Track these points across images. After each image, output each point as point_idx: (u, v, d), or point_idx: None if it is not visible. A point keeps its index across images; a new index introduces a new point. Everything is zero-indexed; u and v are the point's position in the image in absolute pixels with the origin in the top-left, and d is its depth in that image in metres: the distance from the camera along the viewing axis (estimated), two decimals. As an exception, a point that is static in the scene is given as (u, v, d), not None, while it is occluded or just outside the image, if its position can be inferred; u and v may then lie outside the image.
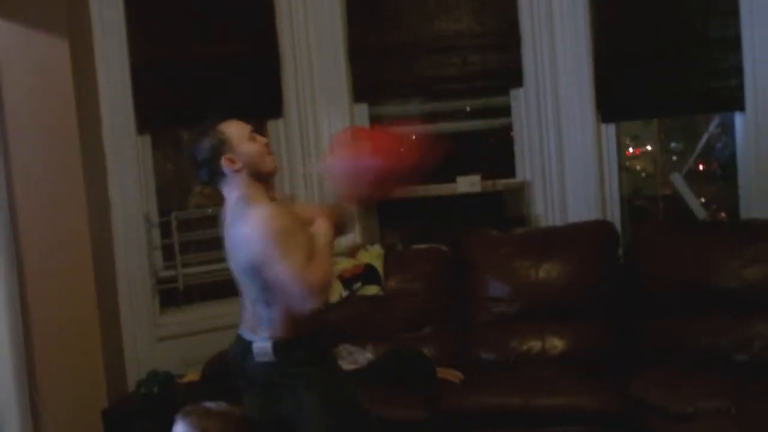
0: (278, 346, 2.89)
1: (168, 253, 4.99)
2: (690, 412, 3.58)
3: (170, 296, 5.00)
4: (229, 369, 3.05)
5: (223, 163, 2.91)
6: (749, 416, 3.45)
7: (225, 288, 5.00)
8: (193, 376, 4.51)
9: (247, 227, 2.82)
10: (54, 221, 4.42)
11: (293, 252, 2.76)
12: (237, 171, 2.92)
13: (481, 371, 4.29)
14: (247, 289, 2.95)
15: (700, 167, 5.23)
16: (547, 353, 4.33)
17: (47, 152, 4.41)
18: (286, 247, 2.76)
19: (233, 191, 2.95)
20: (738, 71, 4.65)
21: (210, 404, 2.61)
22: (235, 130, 3.00)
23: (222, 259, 4.94)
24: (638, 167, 5.40)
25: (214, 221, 5.19)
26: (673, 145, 5.48)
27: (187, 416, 2.52)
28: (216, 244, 5.08)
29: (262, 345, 2.90)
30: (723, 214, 5.11)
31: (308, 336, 2.93)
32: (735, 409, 3.56)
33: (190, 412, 2.54)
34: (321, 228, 2.95)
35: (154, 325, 4.85)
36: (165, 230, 4.98)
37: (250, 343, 2.93)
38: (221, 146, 2.93)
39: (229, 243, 2.94)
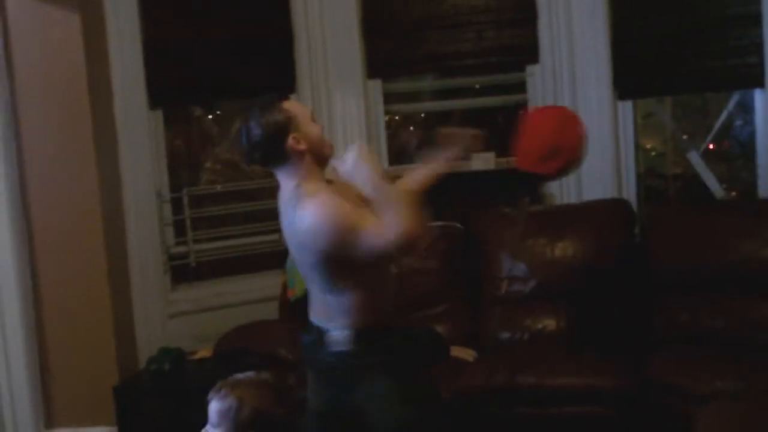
0: (356, 335, 2.78)
1: (179, 229, 4.96)
2: (705, 392, 3.54)
3: (182, 272, 4.98)
4: (301, 357, 2.98)
5: (290, 142, 2.77)
6: (764, 398, 3.40)
7: (237, 264, 5.01)
8: (204, 352, 4.50)
9: (307, 221, 2.68)
10: (65, 197, 4.41)
11: (362, 221, 2.62)
12: (300, 152, 2.78)
13: (495, 350, 4.25)
14: (315, 281, 2.83)
15: (710, 147, 5.17)
16: (562, 332, 4.28)
17: (59, 128, 4.39)
18: (355, 222, 2.62)
19: (291, 175, 2.80)
20: (758, 48, 4.57)
21: (238, 375, 2.58)
22: (299, 109, 2.85)
23: (233, 236, 5.02)
24: (649, 146, 5.35)
25: (225, 197, 5.22)
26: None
27: (219, 391, 2.49)
28: (227, 220, 5.11)
29: (338, 334, 2.79)
30: (733, 193, 5.05)
31: (384, 324, 2.84)
32: (752, 389, 3.52)
33: (221, 386, 2.51)
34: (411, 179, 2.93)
35: (165, 302, 4.83)
36: (176, 206, 4.95)
37: (324, 332, 2.82)
38: (288, 124, 2.78)
39: (287, 232, 2.82)
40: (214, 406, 2.48)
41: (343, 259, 2.69)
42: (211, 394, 2.51)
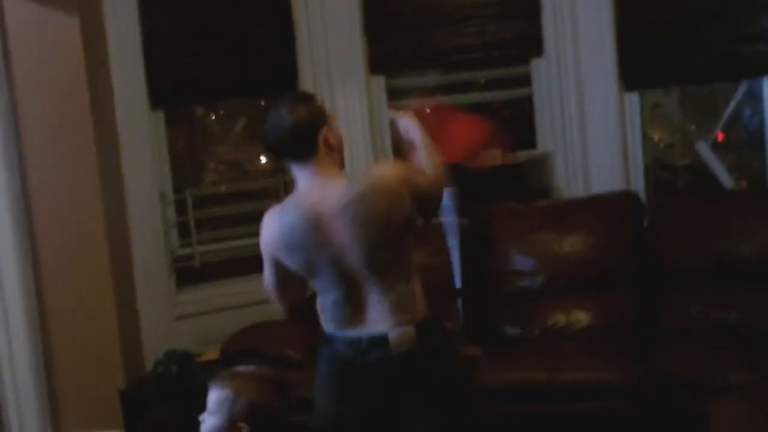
0: (420, 328, 2.72)
1: (183, 231, 4.93)
2: (718, 386, 3.49)
3: (187, 274, 4.94)
4: (341, 373, 2.80)
5: (323, 136, 2.73)
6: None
7: (242, 265, 4.96)
8: (211, 354, 4.46)
9: (388, 176, 2.70)
10: (67, 200, 4.38)
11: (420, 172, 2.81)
12: (331, 147, 2.75)
13: (505, 346, 4.21)
14: (377, 276, 2.71)
15: (719, 137, 5.11)
16: (572, 327, 4.24)
17: (59, 131, 4.36)
18: (418, 171, 2.81)
19: (312, 171, 2.74)
20: (765, 35, 4.51)
21: (239, 367, 2.59)
22: (328, 108, 2.87)
23: (238, 236, 4.98)
24: (657, 138, 5.30)
25: (229, 198, 5.18)
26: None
27: (218, 381, 2.50)
28: (232, 220, 5.07)
29: (402, 332, 2.69)
30: (744, 183, 4.99)
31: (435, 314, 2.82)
32: (764, 382, 3.47)
33: (220, 376, 2.53)
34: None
35: (171, 304, 4.80)
36: (180, 208, 4.91)
37: (382, 337, 2.70)
38: (322, 117, 2.76)
39: (351, 221, 2.67)
40: (213, 396, 2.50)
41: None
42: (210, 383, 2.52)
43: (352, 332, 2.75)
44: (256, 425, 2.46)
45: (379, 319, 2.72)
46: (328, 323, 2.82)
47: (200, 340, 4.64)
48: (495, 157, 4.83)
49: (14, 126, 4.32)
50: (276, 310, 4.52)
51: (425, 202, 2.81)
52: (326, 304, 2.81)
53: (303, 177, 2.78)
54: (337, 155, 2.80)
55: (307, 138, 2.73)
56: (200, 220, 4.95)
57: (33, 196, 4.38)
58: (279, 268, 2.83)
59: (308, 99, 2.81)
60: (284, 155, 2.83)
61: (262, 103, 5.14)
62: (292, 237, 2.72)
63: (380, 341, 2.70)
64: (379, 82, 5.06)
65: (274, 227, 2.77)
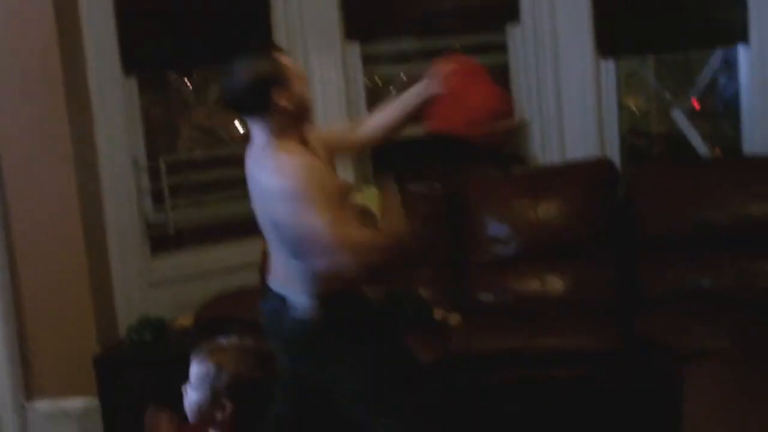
0: (320, 303, 2.73)
1: (157, 197, 4.88)
2: (693, 351, 3.51)
3: (161, 241, 4.90)
4: (263, 329, 2.86)
5: (275, 96, 2.66)
6: (753, 356, 3.38)
7: (216, 232, 4.94)
8: (185, 321, 4.44)
9: (272, 178, 2.62)
10: (39, 167, 4.31)
11: (325, 208, 2.53)
12: (284, 109, 2.69)
13: (480, 313, 4.21)
14: (276, 243, 2.75)
15: (696, 105, 5.11)
16: (547, 294, 4.25)
17: (30, 98, 4.28)
18: (318, 202, 2.53)
19: (265, 130, 2.72)
20: (741, 3, 4.50)
21: (220, 339, 2.54)
22: (291, 65, 2.75)
23: (214, 202, 4.95)
24: (632, 105, 5.30)
25: (203, 165, 5.13)
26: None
27: (199, 354, 2.46)
28: (207, 187, 5.03)
29: (300, 301, 2.73)
30: (718, 151, 5.00)
31: (351, 292, 2.79)
32: (739, 347, 3.50)
33: (201, 349, 2.48)
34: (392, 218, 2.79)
35: (145, 270, 4.75)
36: (153, 175, 4.86)
37: (284, 299, 2.76)
38: (277, 77, 2.68)
39: (252, 188, 2.76)
40: (194, 369, 2.43)
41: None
42: (192, 356, 2.47)
43: (271, 283, 2.86)
44: (240, 399, 2.43)
45: (285, 279, 2.79)
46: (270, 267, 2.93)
47: (175, 306, 4.60)
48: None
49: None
50: (249, 275, 4.54)
51: (303, 247, 2.61)
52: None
53: (254, 132, 2.77)
54: (290, 117, 2.72)
55: (257, 96, 2.68)
56: (174, 187, 4.89)
57: (4, 163, 4.30)
58: None
59: (264, 55, 2.74)
60: (236, 110, 2.83)
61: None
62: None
63: (285, 301, 2.78)
64: (354, 48, 5.01)
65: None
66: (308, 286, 2.72)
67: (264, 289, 2.93)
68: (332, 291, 2.74)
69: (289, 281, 2.77)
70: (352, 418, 2.90)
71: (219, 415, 2.41)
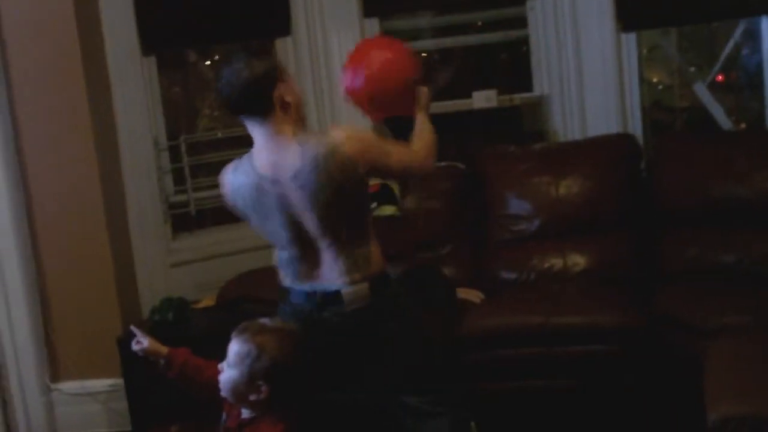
0: (374, 283, 2.75)
1: (178, 177, 4.89)
2: (715, 327, 3.49)
3: (182, 221, 4.92)
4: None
5: (278, 93, 2.67)
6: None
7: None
8: (208, 301, 4.47)
9: (340, 142, 2.62)
10: (60, 148, 4.34)
11: (388, 143, 2.83)
12: (287, 104, 2.69)
13: (501, 290, 4.20)
14: (332, 236, 2.71)
15: (718, 78, 5.05)
16: (569, 271, 4.23)
17: (50, 78, 4.31)
18: (383, 143, 2.80)
19: (270, 129, 2.69)
20: (765, -26, 4.45)
21: (264, 320, 2.54)
22: (286, 67, 2.86)
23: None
24: (655, 79, 5.25)
25: (223, 144, 5.13)
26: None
27: (242, 333, 2.47)
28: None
29: (355, 289, 2.72)
30: (743, 125, 4.94)
31: (386, 271, 2.83)
32: (760, 323, 3.47)
33: (245, 329, 2.48)
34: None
35: (166, 251, 4.78)
36: (174, 154, 4.87)
37: (335, 293, 2.73)
38: (278, 75, 2.70)
39: (300, 188, 2.66)
40: (234, 347, 2.46)
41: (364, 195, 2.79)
42: (234, 333, 2.49)
43: (307, 287, 2.78)
44: (275, 384, 2.44)
45: (333, 277, 2.74)
46: (285, 277, 2.87)
47: (196, 286, 4.64)
48: (490, 97, 4.80)
49: (4, 74, 4.27)
50: (270, 254, 4.53)
51: (389, 175, 3.06)
52: (282, 260, 2.85)
53: (257, 136, 2.75)
54: (293, 114, 2.73)
55: (261, 95, 2.67)
56: (195, 166, 4.91)
57: (26, 145, 4.34)
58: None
59: (264, 54, 2.78)
60: (238, 112, 2.76)
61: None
62: (242, 197, 2.78)
63: (334, 297, 2.73)
64: (373, 24, 4.98)
65: (227, 186, 2.84)
66: (363, 271, 2.73)
67: (287, 291, 2.87)
68: (379, 272, 2.77)
69: (335, 276, 2.74)
70: (392, 400, 2.91)
71: (253, 397, 2.43)
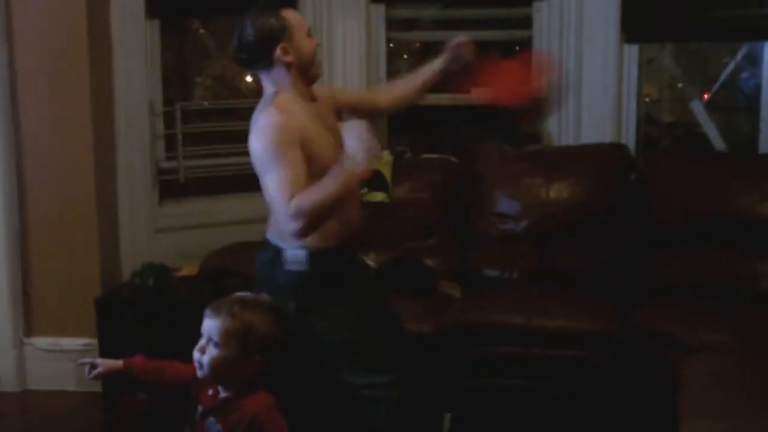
0: (312, 255, 2.80)
1: (169, 144, 4.87)
2: (694, 344, 3.52)
3: (170, 188, 4.90)
4: (255, 276, 2.96)
5: (279, 51, 2.78)
6: (753, 352, 3.39)
7: (226, 183, 4.94)
8: (189, 270, 4.44)
9: (252, 136, 2.74)
10: (55, 103, 4.31)
11: (287, 166, 2.63)
12: (287, 63, 2.80)
13: (482, 287, 4.22)
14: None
15: (705, 96, 5.09)
16: (552, 274, 4.25)
17: (52, 32, 4.27)
18: (283, 160, 2.64)
19: (272, 83, 2.83)
20: (772, -1, 4.49)
21: (243, 295, 2.49)
22: (296, 20, 2.85)
23: (224, 154, 4.94)
24: (645, 92, 5.28)
25: (218, 115, 5.11)
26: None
27: (223, 310, 2.39)
28: (219, 137, 5.02)
29: (294, 253, 2.80)
30: (725, 146, 4.97)
31: (339, 249, 2.85)
32: (739, 344, 3.51)
33: (225, 305, 2.41)
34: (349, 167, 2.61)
35: (152, 216, 4.75)
36: (168, 121, 4.85)
37: (280, 250, 2.83)
38: (281, 32, 2.78)
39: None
40: (219, 324, 2.36)
41: None
42: (212, 311, 2.42)
43: (269, 234, 2.93)
44: (269, 358, 2.41)
45: (274, 229, 2.87)
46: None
47: (179, 254, 4.61)
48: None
49: (6, 27, 4.22)
50: (256, 228, 4.52)
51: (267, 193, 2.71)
52: None
53: (263, 85, 2.89)
54: (295, 70, 2.82)
55: (262, 51, 2.80)
56: (187, 134, 4.89)
57: (20, 97, 4.30)
58: None
59: (269, 12, 2.82)
60: (244, 65, 3.01)
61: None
62: None
63: (279, 253, 2.85)
64: (379, 10, 4.97)
65: None
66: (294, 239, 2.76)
67: (263, 240, 2.97)
68: (320, 246, 2.80)
69: (282, 234, 2.80)
70: (330, 371, 2.96)
71: (246, 372, 2.38)
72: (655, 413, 3.47)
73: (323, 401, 3.13)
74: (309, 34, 2.87)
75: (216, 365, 2.36)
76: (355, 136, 2.60)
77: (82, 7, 4.24)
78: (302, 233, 2.65)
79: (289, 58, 2.79)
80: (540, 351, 3.79)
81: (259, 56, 2.81)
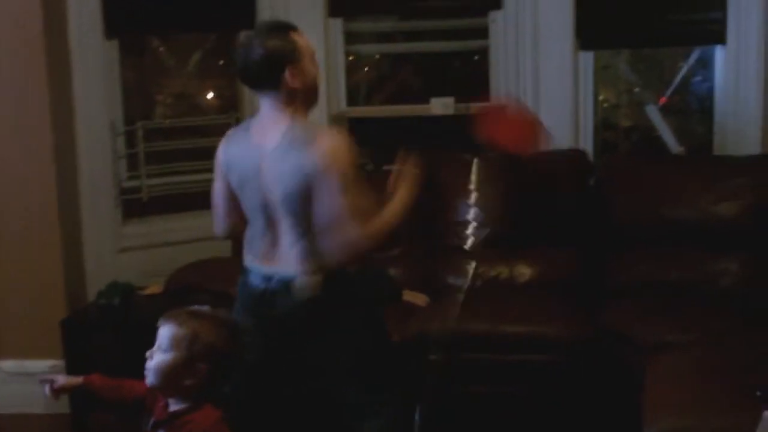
0: (329, 277, 2.78)
1: (131, 163, 4.88)
2: (658, 344, 3.58)
3: (133, 207, 4.90)
4: (250, 310, 2.92)
5: (287, 73, 2.74)
6: (716, 351, 3.45)
7: (190, 201, 4.95)
8: (155, 288, 4.45)
9: (320, 152, 2.67)
10: (15, 124, 4.30)
11: (357, 194, 2.69)
12: (293, 88, 2.76)
13: (447, 296, 4.25)
14: (292, 220, 2.78)
15: (661, 101, 5.18)
16: (515, 280, 4.30)
17: (10, 55, 4.27)
18: (354, 187, 2.68)
19: (280, 106, 2.78)
20: (721, 3, 4.57)
21: (196, 307, 2.53)
22: (306, 44, 2.83)
23: (187, 172, 4.95)
24: (601, 97, 5.35)
25: (179, 132, 5.12)
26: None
27: (173, 318, 2.44)
28: (181, 155, 5.03)
29: (309, 279, 2.78)
30: (682, 149, 5.05)
31: (346, 266, 2.85)
32: (702, 343, 3.57)
33: (176, 314, 2.46)
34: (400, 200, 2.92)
35: (116, 236, 4.76)
36: (129, 140, 4.86)
37: (289, 280, 2.80)
38: (290, 55, 2.75)
39: (272, 166, 2.76)
40: (168, 332, 2.42)
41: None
42: (164, 320, 2.46)
43: (266, 268, 2.87)
44: (214, 366, 2.44)
45: (289, 261, 2.82)
46: (247, 254, 2.96)
47: (144, 273, 4.62)
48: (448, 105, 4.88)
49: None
50: (220, 245, 4.55)
51: (322, 218, 2.72)
52: (249, 234, 2.94)
53: (263, 106, 2.84)
54: (301, 95, 2.80)
55: (269, 72, 2.76)
56: (149, 153, 4.89)
57: (-21, 119, 4.30)
58: (227, 184, 2.95)
59: (278, 32, 2.79)
60: (248, 84, 2.89)
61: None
62: (233, 157, 2.88)
63: (288, 284, 2.80)
64: (337, 25, 5.02)
65: (224, 144, 2.95)
66: (317, 264, 2.77)
67: (247, 271, 2.95)
68: (334, 268, 2.80)
69: (292, 262, 2.80)
70: (336, 394, 2.98)
71: (189, 381, 2.42)
72: (622, 413, 3.52)
73: (304, 417, 3.15)
74: (315, 61, 2.86)
75: (160, 370, 2.40)
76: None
77: (39, 27, 4.24)
78: (369, 253, 2.79)
79: (296, 84, 2.76)
80: (506, 356, 3.83)
81: (266, 77, 2.77)
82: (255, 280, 2.89)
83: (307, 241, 2.78)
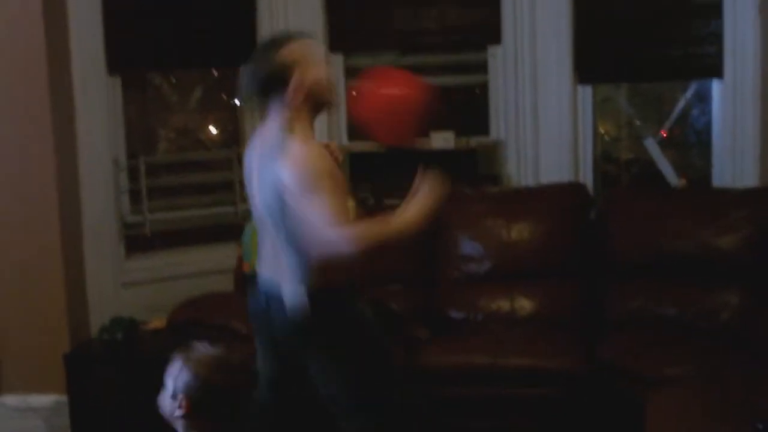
0: (314, 296, 2.80)
1: (134, 198, 4.91)
2: (656, 377, 3.59)
3: (136, 242, 4.93)
4: (251, 324, 3.02)
5: (290, 88, 2.78)
6: (714, 385, 3.46)
7: (192, 235, 4.98)
8: (157, 323, 4.47)
9: (285, 162, 2.71)
10: (20, 161, 4.34)
11: (331, 195, 2.66)
12: (292, 99, 2.80)
13: (449, 329, 4.28)
14: (273, 234, 2.85)
15: (663, 134, 5.21)
16: (516, 313, 4.33)
17: (14, 92, 4.32)
18: (325, 189, 2.66)
19: (280, 113, 2.83)
20: (717, 38, 4.61)
21: (198, 346, 2.54)
22: (301, 52, 2.84)
23: (190, 206, 4.99)
24: (602, 130, 5.39)
25: (181, 167, 5.16)
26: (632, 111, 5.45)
27: (176, 362, 2.47)
28: (183, 190, 5.07)
29: (291, 296, 2.81)
30: (683, 181, 5.09)
31: (342, 286, 2.87)
32: (701, 377, 3.58)
33: (179, 358, 2.49)
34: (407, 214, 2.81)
35: (119, 271, 4.79)
36: (132, 175, 4.89)
37: (275, 295, 2.86)
38: (293, 67, 2.79)
39: (258, 174, 2.86)
40: (171, 377, 2.47)
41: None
42: (170, 364, 2.50)
43: (265, 275, 2.95)
44: (195, 399, 2.46)
45: (277, 269, 2.88)
46: (257, 260, 3.05)
47: (147, 308, 4.64)
48: (448, 139, 4.88)
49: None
50: (223, 279, 4.58)
51: (306, 226, 2.71)
52: (259, 240, 3.05)
53: (269, 113, 2.89)
54: (307, 102, 2.83)
55: (273, 87, 2.81)
56: (151, 188, 4.93)
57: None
58: None
59: (279, 46, 2.82)
60: (254, 94, 2.92)
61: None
62: (246, 164, 2.99)
63: (279, 297, 2.85)
64: (337, 60, 5.07)
65: (247, 149, 3.05)
66: (301, 278, 2.80)
67: (253, 285, 3.02)
68: (323, 284, 2.81)
69: (281, 275, 2.85)
70: (330, 410, 2.99)
71: (177, 412, 2.46)
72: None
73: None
74: (326, 61, 2.95)
75: (160, 404, 2.49)
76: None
77: (43, 65, 4.28)
78: (354, 257, 2.66)
79: (298, 99, 2.80)
80: (507, 390, 3.86)
81: (264, 90, 2.84)
82: (257, 291, 2.98)
83: (294, 253, 2.80)
